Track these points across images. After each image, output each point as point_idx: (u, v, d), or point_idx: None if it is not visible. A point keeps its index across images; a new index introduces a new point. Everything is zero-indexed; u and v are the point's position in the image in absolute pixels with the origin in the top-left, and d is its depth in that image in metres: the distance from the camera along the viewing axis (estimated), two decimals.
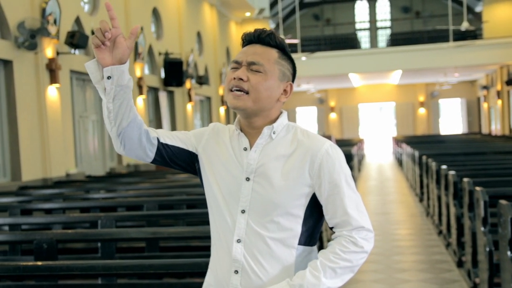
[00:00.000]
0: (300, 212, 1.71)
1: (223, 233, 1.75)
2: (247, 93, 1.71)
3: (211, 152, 1.81)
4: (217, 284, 1.75)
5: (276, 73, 1.75)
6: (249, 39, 1.80)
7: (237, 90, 1.72)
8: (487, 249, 4.27)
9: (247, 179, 1.73)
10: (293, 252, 1.70)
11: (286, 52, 1.79)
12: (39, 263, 2.65)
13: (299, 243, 1.71)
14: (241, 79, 1.72)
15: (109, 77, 1.64)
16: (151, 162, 1.80)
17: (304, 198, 1.71)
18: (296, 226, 1.70)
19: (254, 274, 1.69)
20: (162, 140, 1.78)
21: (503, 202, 3.84)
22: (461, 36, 21.47)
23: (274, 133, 1.75)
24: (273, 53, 1.76)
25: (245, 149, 1.76)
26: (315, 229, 1.76)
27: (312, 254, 1.75)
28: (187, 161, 1.83)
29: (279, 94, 1.76)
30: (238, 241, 1.71)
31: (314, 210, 1.73)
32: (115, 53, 1.65)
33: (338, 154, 1.74)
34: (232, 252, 1.71)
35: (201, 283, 1.87)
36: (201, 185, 1.85)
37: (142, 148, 1.74)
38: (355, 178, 12.85)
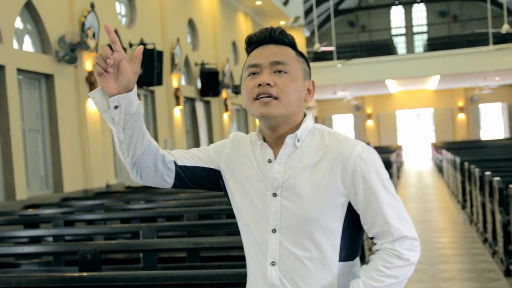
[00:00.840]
0: (338, 225, 1.54)
1: (255, 254, 1.61)
2: (276, 98, 1.54)
3: (234, 167, 1.66)
4: None
5: (300, 71, 1.59)
6: (258, 40, 1.61)
7: (264, 97, 1.54)
8: None
9: (274, 194, 1.57)
10: (334, 270, 1.55)
11: (297, 49, 1.63)
12: (85, 274, 2.66)
13: (340, 260, 1.55)
14: (268, 84, 1.54)
15: (116, 107, 1.49)
16: (172, 187, 1.66)
17: (339, 209, 1.54)
18: (334, 242, 1.54)
19: None
20: (179, 163, 1.64)
21: None
22: (501, 39, 20.98)
23: (298, 140, 1.58)
24: (290, 51, 1.60)
25: (269, 161, 1.60)
26: (355, 241, 1.59)
27: (355, 268, 1.59)
28: (210, 180, 1.70)
29: (305, 94, 1.61)
30: (273, 263, 1.56)
31: (352, 221, 1.56)
32: (120, 80, 1.49)
33: (373, 157, 1.55)
34: (267, 276, 1.57)
35: None
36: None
37: (159, 175, 1.61)
38: (394, 186, 12.64)
